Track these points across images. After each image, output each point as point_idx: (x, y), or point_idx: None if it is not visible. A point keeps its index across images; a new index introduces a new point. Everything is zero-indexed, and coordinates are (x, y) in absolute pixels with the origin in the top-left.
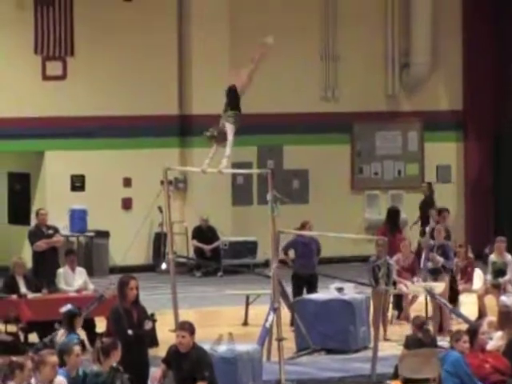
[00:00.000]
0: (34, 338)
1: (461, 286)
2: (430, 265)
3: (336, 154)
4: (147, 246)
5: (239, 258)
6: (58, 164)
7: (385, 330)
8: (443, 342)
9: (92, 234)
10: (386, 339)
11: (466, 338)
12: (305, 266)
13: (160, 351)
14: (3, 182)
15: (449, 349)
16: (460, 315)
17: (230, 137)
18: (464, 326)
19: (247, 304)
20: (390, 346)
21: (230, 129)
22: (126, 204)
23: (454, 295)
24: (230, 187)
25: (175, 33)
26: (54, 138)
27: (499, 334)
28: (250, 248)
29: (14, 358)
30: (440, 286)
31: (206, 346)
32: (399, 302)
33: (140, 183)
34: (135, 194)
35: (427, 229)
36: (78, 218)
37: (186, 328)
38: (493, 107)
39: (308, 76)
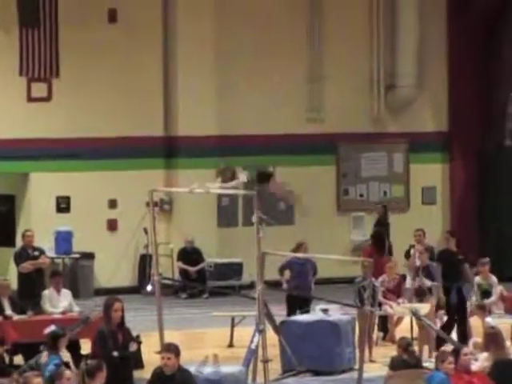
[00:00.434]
0: (19, 360)
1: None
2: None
3: (321, 175)
4: (133, 267)
5: (225, 280)
6: (43, 185)
7: (370, 352)
8: (429, 362)
9: (77, 255)
10: (371, 360)
11: (451, 359)
12: (300, 286)
13: (145, 373)
14: None
15: (434, 370)
16: (444, 336)
17: (239, 179)
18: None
19: (232, 325)
20: (376, 368)
21: (241, 177)
22: (112, 225)
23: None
24: (216, 209)
25: (160, 54)
26: (39, 160)
27: (485, 355)
28: (236, 269)
29: (1, 380)
30: (426, 307)
31: (192, 368)
32: (385, 323)
33: (125, 205)
34: (120, 216)
35: (412, 251)
36: (64, 240)
37: (172, 350)
38: (478, 128)
39: (293, 97)
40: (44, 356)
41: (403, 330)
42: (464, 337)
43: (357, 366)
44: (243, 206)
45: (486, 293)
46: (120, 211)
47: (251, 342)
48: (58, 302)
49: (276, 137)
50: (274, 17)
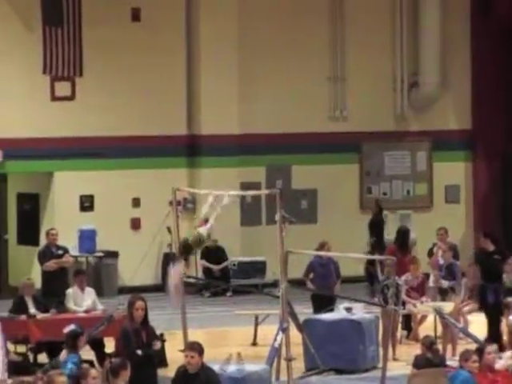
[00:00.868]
0: (43, 358)
1: (470, 306)
2: (444, 283)
3: (344, 173)
4: (156, 266)
5: (248, 278)
6: (67, 184)
7: (394, 350)
8: (452, 361)
9: (101, 254)
10: (395, 359)
11: (475, 357)
12: (323, 286)
13: (169, 371)
14: (12, 202)
15: (458, 368)
16: (469, 335)
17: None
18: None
19: (256, 324)
20: (399, 366)
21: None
22: (135, 224)
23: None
24: (239, 207)
25: (184, 52)
26: (63, 159)
27: (509, 353)
28: (259, 268)
29: (25, 378)
30: (449, 306)
31: (215, 367)
32: (408, 321)
33: (149, 203)
34: (144, 214)
35: (435, 249)
36: (87, 238)
37: (195, 348)
38: (502, 126)
39: (316, 96)
40: (63, 354)
41: (427, 328)
42: (496, 337)
43: (380, 365)
44: (266, 204)
45: (510, 291)
46: (143, 210)
47: (275, 340)
48: (82, 300)
49: (299, 135)
50: (296, 16)
